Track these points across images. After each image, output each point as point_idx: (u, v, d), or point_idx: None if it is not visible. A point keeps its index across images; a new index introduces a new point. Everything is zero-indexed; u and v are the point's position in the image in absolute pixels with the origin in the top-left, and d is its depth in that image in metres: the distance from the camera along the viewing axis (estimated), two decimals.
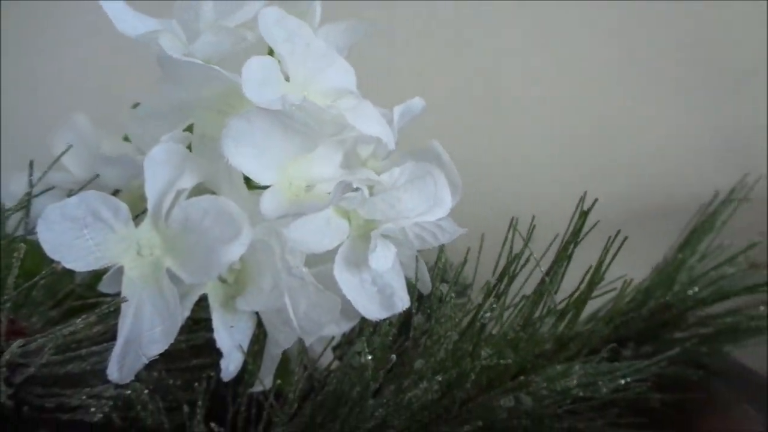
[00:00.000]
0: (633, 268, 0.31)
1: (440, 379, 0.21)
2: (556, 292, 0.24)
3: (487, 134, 0.40)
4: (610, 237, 0.22)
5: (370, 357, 0.21)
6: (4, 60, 0.36)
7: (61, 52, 0.37)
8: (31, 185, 0.21)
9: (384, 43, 0.37)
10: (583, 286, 0.22)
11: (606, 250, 0.22)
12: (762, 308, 0.28)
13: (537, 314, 0.24)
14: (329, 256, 0.20)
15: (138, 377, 0.21)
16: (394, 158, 0.24)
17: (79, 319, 0.18)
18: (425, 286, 0.22)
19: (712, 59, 0.40)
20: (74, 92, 0.37)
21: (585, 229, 0.22)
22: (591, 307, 0.29)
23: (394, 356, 0.21)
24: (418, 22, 0.39)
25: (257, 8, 0.20)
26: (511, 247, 0.23)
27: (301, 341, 0.21)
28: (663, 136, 0.40)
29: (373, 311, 0.20)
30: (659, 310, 0.31)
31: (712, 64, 0.40)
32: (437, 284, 0.22)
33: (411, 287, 0.22)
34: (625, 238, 0.21)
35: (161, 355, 0.18)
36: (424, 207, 0.21)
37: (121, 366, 0.17)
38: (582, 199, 0.22)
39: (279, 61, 0.20)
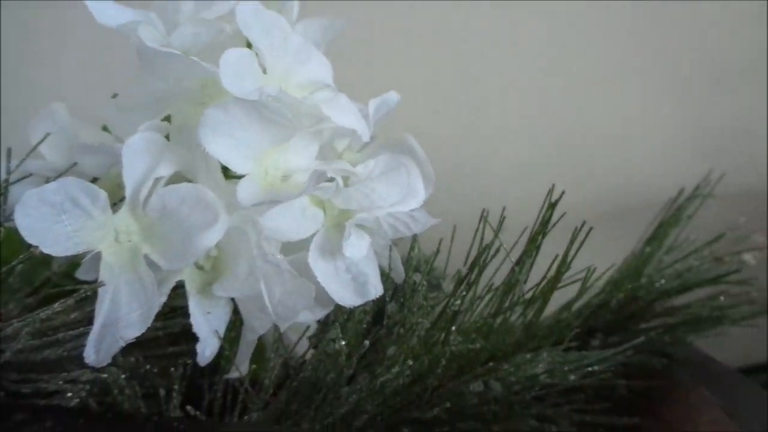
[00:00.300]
0: (607, 261, 0.32)
1: (411, 363, 0.22)
2: (525, 282, 0.24)
3: (464, 131, 0.41)
4: (576, 227, 0.22)
5: (343, 343, 0.21)
6: (4, 60, 0.36)
7: (61, 52, 0.37)
8: (9, 172, 0.21)
9: (364, 40, 0.38)
10: (550, 275, 0.23)
11: (572, 241, 0.22)
12: (722, 298, 0.29)
13: (507, 303, 0.25)
14: (305, 244, 0.21)
15: (115, 363, 0.21)
16: (369, 151, 0.25)
17: (57, 304, 0.18)
18: (398, 275, 0.23)
19: (683, 62, 0.42)
20: (74, 91, 0.37)
21: (556, 222, 0.23)
22: (564, 299, 0.30)
23: (367, 342, 0.21)
24: (397, 21, 0.40)
25: (235, 2, 0.21)
26: (482, 239, 0.23)
27: (276, 329, 0.22)
28: (634, 134, 0.41)
29: (347, 298, 0.21)
30: (627, 301, 0.32)
31: (685, 67, 0.42)
32: (410, 274, 0.23)
33: (385, 276, 0.22)
34: (590, 229, 0.22)
35: (138, 342, 0.19)
36: (398, 197, 0.21)
37: (98, 349, 0.17)
38: (550, 192, 0.23)
39: (256, 54, 0.20)
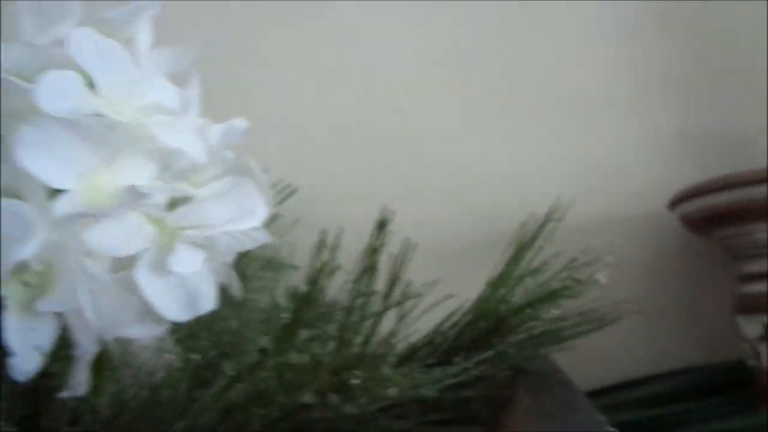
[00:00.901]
0: (474, 284, 0.34)
1: (233, 374, 0.23)
2: (367, 300, 0.26)
3: (316, 155, 0.42)
4: (409, 244, 0.24)
5: (174, 357, 0.22)
6: None
7: None
8: None
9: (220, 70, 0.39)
10: (383, 292, 0.25)
11: (400, 258, 0.24)
12: (554, 312, 0.32)
13: (351, 320, 0.26)
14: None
15: None
16: (215, 174, 0.26)
17: None
18: (236, 290, 0.24)
19: (536, 90, 0.45)
20: None
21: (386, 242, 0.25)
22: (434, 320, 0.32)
23: (198, 356, 0.22)
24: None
25: (71, 29, 0.21)
26: (321, 258, 0.25)
27: (123, 344, 0.22)
28: (487, 161, 0.44)
29: (175, 313, 0.21)
30: (487, 320, 0.34)
31: (541, 97, 0.45)
32: (250, 289, 0.24)
33: (223, 292, 0.23)
34: (415, 244, 0.24)
35: None
36: (232, 217, 0.23)
37: None
38: (381, 213, 0.25)
39: (92, 81, 0.21)
